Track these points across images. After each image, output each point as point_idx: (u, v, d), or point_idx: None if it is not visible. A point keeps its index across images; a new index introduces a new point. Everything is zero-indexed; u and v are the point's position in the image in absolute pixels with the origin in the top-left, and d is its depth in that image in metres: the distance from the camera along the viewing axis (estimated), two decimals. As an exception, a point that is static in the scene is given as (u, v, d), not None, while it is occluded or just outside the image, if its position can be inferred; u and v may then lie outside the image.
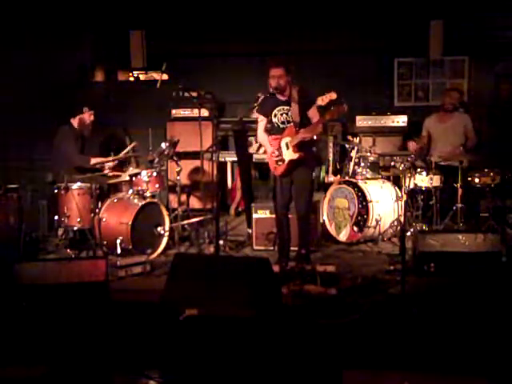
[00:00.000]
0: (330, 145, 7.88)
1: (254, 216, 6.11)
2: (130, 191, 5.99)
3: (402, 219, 6.11)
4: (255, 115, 5.58)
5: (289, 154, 5.16)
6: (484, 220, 6.15)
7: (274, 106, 5.25)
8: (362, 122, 7.99)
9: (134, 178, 6.04)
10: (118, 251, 5.49)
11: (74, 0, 8.09)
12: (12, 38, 7.35)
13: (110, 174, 6.36)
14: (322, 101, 5.10)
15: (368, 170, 6.58)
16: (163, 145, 6.31)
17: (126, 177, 6.05)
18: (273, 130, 5.31)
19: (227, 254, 5.79)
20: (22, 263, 4.49)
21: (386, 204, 6.26)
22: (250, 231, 6.29)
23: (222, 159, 7.76)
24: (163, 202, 6.51)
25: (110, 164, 6.38)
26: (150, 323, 3.87)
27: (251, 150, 7.47)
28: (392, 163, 6.44)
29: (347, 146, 6.73)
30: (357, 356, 3.44)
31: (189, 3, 8.47)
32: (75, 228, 5.94)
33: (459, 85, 8.31)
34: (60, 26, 7.83)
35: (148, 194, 6.10)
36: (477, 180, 6.14)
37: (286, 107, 5.20)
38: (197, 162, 6.97)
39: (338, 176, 7.20)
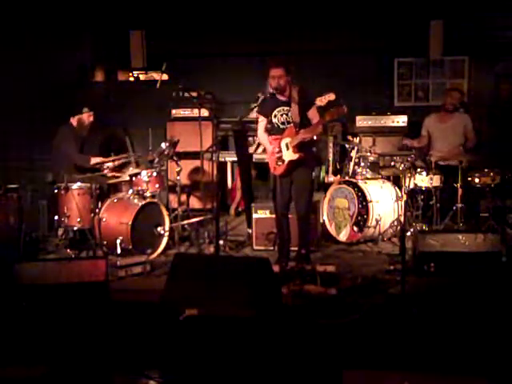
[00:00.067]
0: (330, 145, 7.88)
1: (254, 216, 6.11)
2: (130, 191, 5.99)
3: (402, 219, 6.11)
4: (254, 115, 5.58)
5: (289, 155, 5.16)
6: (484, 220, 6.16)
7: (274, 107, 5.25)
8: (361, 122, 7.98)
9: (134, 178, 6.04)
10: (118, 251, 5.49)
11: (74, 0, 8.09)
12: (12, 38, 7.35)
13: (110, 174, 6.36)
14: (320, 101, 5.10)
15: (368, 170, 6.57)
16: (163, 145, 6.32)
17: (126, 177, 6.06)
18: (273, 131, 5.31)
19: (227, 254, 5.79)
20: (22, 263, 4.49)
21: (386, 204, 6.26)
22: (250, 231, 6.29)
23: (222, 159, 7.76)
24: (163, 201, 6.51)
25: (110, 164, 6.38)
26: (150, 323, 3.87)
27: (251, 149, 7.48)
28: (392, 163, 6.44)
29: (347, 145, 6.73)
30: (357, 356, 3.44)
31: (189, 3, 8.47)
32: (75, 228, 5.94)
33: (459, 85, 8.30)
34: (60, 26, 7.83)
35: (148, 193, 6.10)
36: (477, 180, 6.14)
37: (286, 108, 5.20)
38: (197, 162, 6.97)
39: (338, 176, 7.20)
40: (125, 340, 3.73)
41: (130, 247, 5.61)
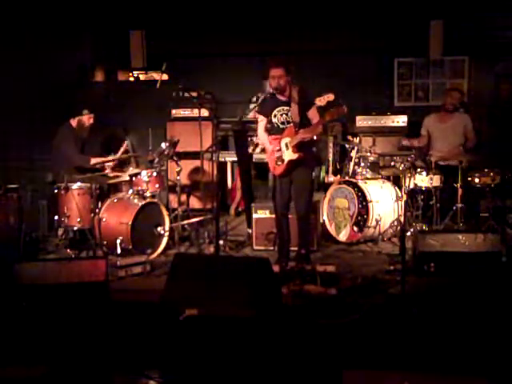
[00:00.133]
0: (330, 145, 7.88)
1: (254, 216, 6.11)
2: (130, 191, 5.99)
3: (402, 219, 6.11)
4: (252, 115, 5.58)
5: (288, 155, 5.16)
6: (484, 220, 6.15)
7: (274, 107, 5.25)
8: (361, 122, 7.99)
9: (133, 178, 6.04)
10: (118, 251, 5.49)
11: (74, 0, 8.09)
12: (12, 38, 7.35)
13: (110, 174, 6.36)
14: (320, 101, 5.09)
15: (368, 170, 6.57)
16: (163, 145, 6.32)
17: (126, 177, 6.06)
18: (272, 131, 5.31)
19: (227, 254, 5.79)
20: (22, 263, 4.49)
21: (386, 204, 6.26)
22: (249, 231, 6.29)
23: (222, 159, 7.76)
24: (163, 201, 6.50)
25: (110, 164, 6.39)
26: (150, 323, 3.87)
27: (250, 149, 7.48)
28: (392, 163, 6.44)
29: (347, 145, 6.73)
30: (357, 356, 3.44)
31: (189, 3, 8.47)
32: (75, 228, 5.94)
33: (459, 85, 8.30)
34: (60, 26, 7.83)
35: (148, 193, 6.10)
36: (477, 180, 6.14)
37: (285, 107, 5.20)
38: (197, 162, 6.97)
39: (338, 176, 7.20)
40: (125, 340, 3.73)
41: (130, 247, 5.61)
